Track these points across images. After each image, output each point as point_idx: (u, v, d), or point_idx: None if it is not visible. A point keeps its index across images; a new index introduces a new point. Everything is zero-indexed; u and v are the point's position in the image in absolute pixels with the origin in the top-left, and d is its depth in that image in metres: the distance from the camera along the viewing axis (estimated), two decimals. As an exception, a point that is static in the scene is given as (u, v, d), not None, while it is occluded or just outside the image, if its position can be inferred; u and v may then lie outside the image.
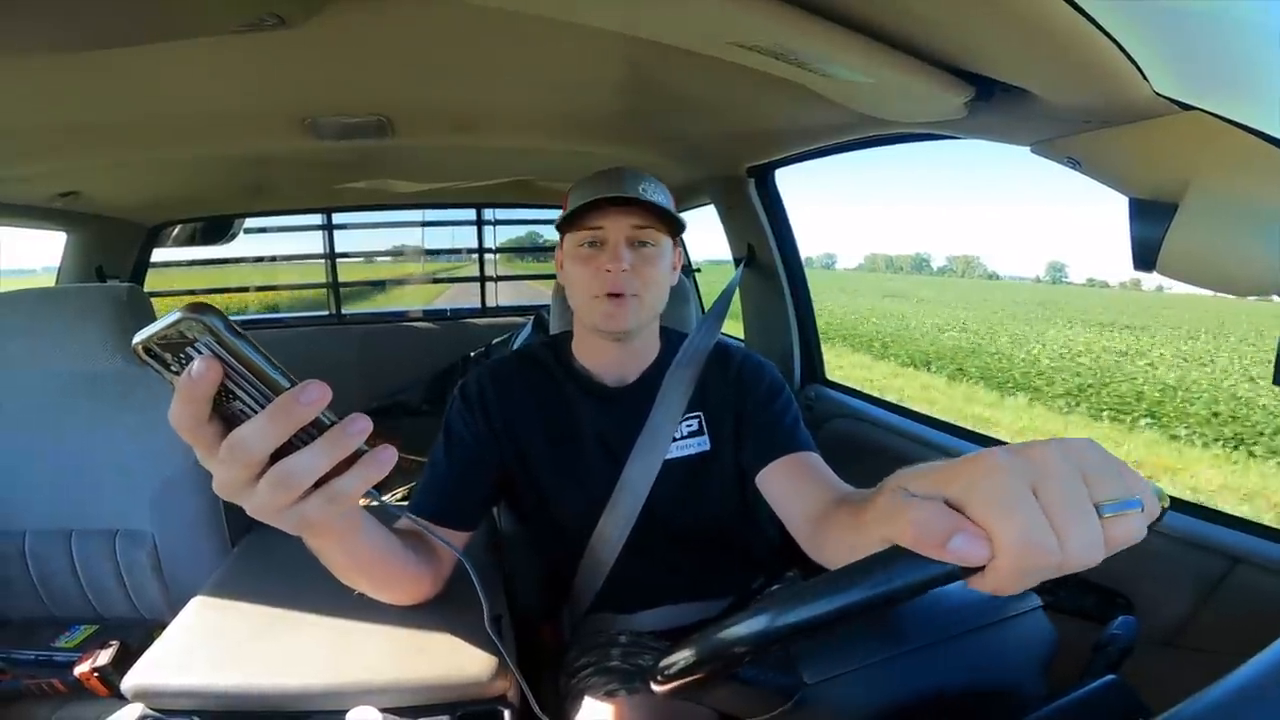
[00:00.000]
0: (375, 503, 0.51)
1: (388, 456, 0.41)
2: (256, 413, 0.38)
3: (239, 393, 0.37)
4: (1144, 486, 0.32)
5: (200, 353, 0.36)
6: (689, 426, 0.90)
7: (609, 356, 0.91)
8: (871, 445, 1.36)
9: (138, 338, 0.36)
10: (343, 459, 0.40)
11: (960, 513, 0.31)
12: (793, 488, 0.80)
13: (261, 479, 0.39)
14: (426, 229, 3.17)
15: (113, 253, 1.95)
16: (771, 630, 0.36)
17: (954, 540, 0.30)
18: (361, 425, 0.39)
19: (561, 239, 0.89)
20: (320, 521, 0.42)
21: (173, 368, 0.37)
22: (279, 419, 0.37)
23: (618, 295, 0.83)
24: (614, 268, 0.82)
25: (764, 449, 0.85)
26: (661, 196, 0.85)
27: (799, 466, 0.82)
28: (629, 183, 0.84)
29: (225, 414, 0.38)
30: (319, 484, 0.40)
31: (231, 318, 0.36)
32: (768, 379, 0.92)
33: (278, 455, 0.39)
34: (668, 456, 0.88)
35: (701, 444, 0.90)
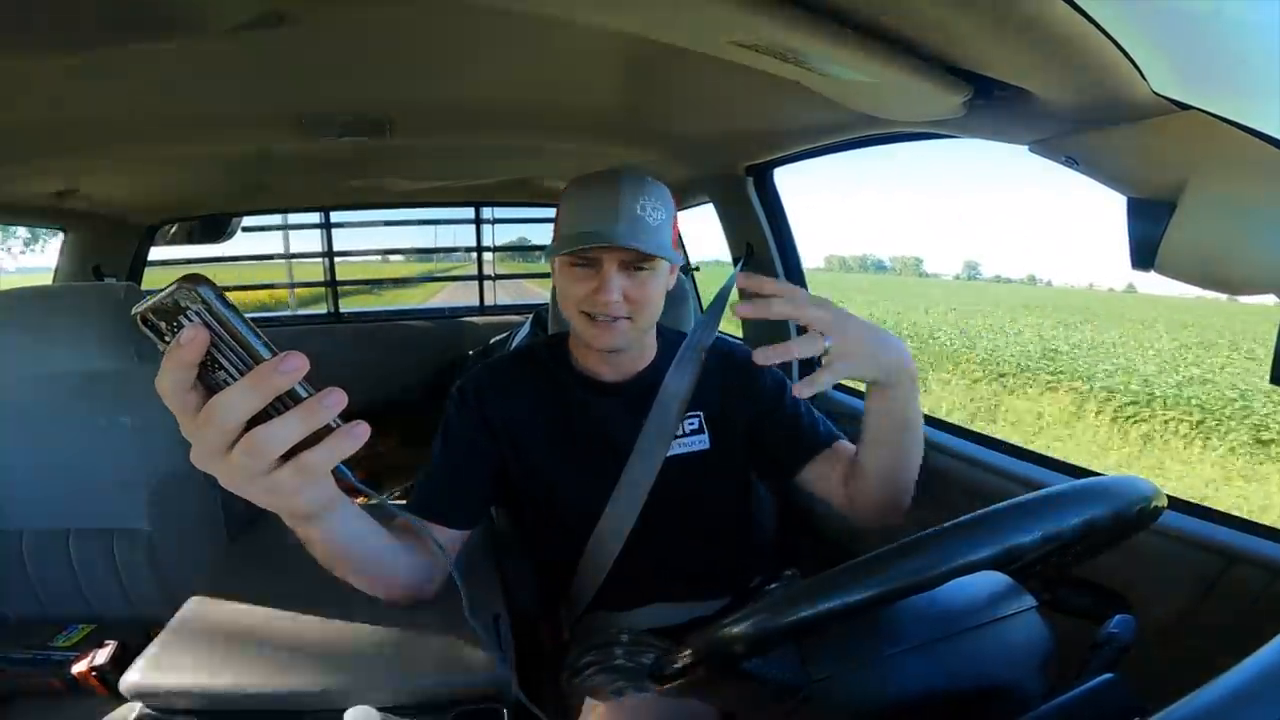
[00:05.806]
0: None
1: (360, 432, 0.41)
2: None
3: (224, 362, 0.39)
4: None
5: (191, 321, 0.38)
6: (689, 425, 0.90)
7: (604, 361, 0.90)
8: None
9: (137, 307, 0.38)
10: (315, 432, 0.40)
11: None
12: (837, 479, 0.85)
13: (235, 446, 0.40)
14: (424, 227, 3.17)
15: (110, 251, 1.95)
16: (779, 625, 0.36)
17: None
18: (335, 399, 0.40)
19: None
20: (291, 495, 0.43)
21: (166, 337, 0.38)
22: (257, 386, 0.38)
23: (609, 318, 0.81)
24: (604, 298, 0.79)
25: (795, 454, 0.89)
26: (662, 212, 0.82)
27: (835, 457, 0.87)
28: (625, 212, 0.78)
29: (210, 383, 0.40)
30: (290, 456, 0.41)
31: None
32: (770, 378, 0.92)
33: (254, 427, 0.40)
34: (668, 454, 0.88)
35: (701, 442, 0.90)
